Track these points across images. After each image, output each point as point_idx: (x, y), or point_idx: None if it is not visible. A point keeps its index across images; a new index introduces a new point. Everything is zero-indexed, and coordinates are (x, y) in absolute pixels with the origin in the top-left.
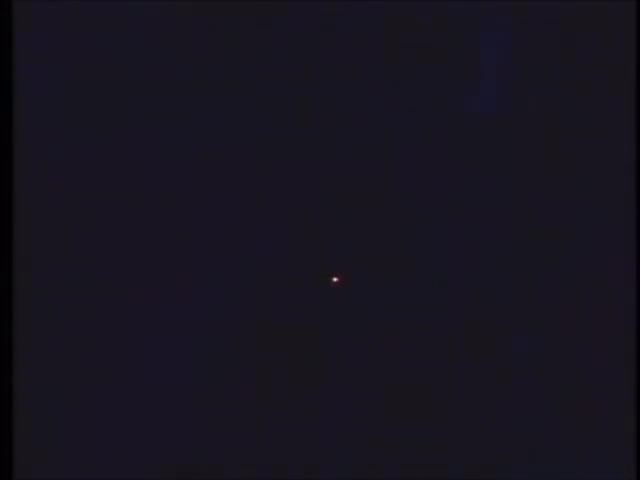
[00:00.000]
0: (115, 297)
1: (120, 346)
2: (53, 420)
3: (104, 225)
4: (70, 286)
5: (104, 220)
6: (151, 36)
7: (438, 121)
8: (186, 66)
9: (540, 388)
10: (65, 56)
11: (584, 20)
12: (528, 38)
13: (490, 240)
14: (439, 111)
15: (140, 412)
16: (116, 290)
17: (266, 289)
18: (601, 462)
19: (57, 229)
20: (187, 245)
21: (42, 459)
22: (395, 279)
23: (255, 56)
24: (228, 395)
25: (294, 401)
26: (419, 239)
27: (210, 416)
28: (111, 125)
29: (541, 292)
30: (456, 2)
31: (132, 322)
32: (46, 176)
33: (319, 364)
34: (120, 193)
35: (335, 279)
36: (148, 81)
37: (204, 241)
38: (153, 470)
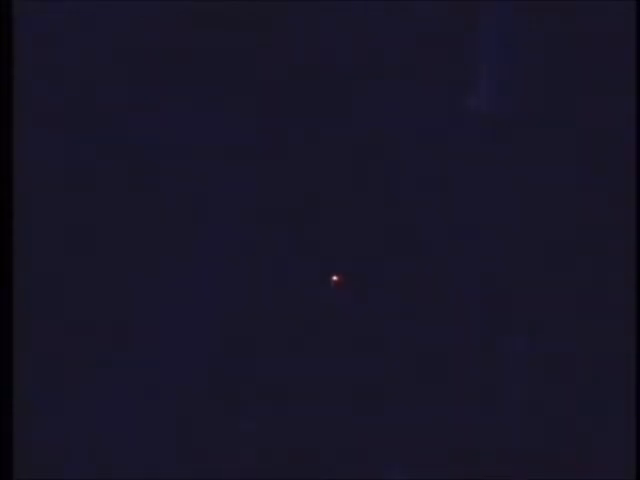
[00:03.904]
0: (115, 296)
1: (119, 346)
2: (53, 418)
3: (105, 224)
4: (69, 285)
5: (105, 219)
6: (152, 35)
7: (438, 121)
8: (188, 65)
9: (540, 388)
10: (65, 56)
11: (585, 20)
12: (529, 38)
13: (490, 240)
14: (439, 111)
15: (140, 410)
16: (117, 289)
17: (267, 288)
18: (601, 462)
19: (56, 226)
20: (188, 244)
21: (42, 457)
22: (394, 279)
23: (256, 57)
24: (227, 396)
25: (294, 400)
26: (418, 239)
27: (209, 415)
28: (112, 124)
29: (541, 292)
30: (456, 1)
31: (130, 322)
32: (46, 175)
33: (318, 364)
34: (120, 192)
35: (335, 278)
36: (147, 81)
37: (205, 240)
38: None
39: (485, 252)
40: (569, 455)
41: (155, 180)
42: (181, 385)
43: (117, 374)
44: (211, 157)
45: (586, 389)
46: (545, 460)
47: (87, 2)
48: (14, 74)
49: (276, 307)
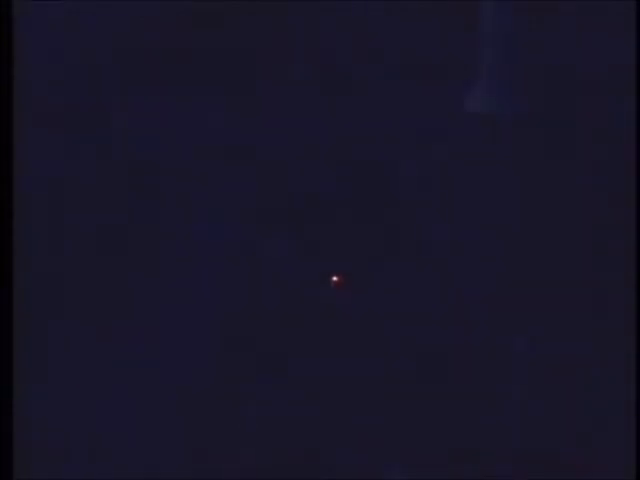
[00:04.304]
0: (115, 296)
1: (119, 346)
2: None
3: (105, 224)
4: (69, 285)
5: (105, 219)
6: (152, 35)
7: (438, 121)
8: (188, 65)
9: (540, 388)
10: (65, 56)
11: (585, 20)
12: (529, 38)
13: (490, 240)
14: (439, 111)
15: (140, 410)
16: (117, 289)
17: (267, 288)
18: (601, 462)
19: (56, 226)
20: (188, 244)
21: (42, 455)
22: (394, 279)
23: (257, 57)
24: (227, 396)
25: (294, 400)
26: (418, 239)
27: (209, 415)
28: (112, 124)
29: (541, 292)
30: (456, 2)
31: (131, 322)
32: (46, 175)
33: (319, 364)
34: (120, 192)
35: (335, 278)
36: (147, 81)
37: (205, 240)
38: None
39: (485, 252)
40: (569, 455)
41: (155, 180)
42: (181, 385)
43: (117, 374)
44: (211, 157)
45: (586, 389)
46: (545, 460)
47: (87, 2)
48: (14, 74)
49: (276, 307)
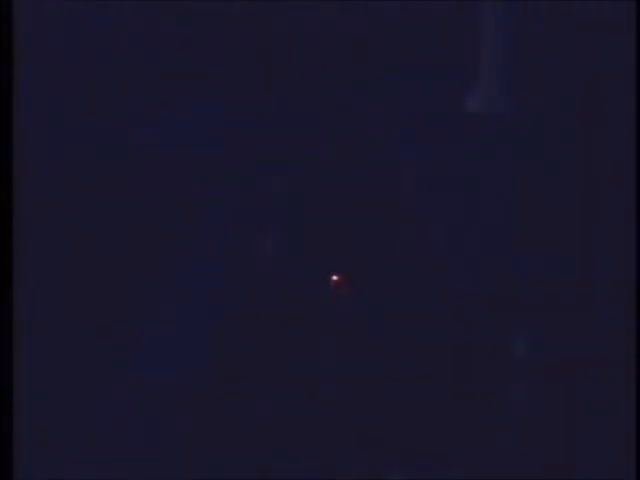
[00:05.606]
0: (115, 296)
1: (119, 346)
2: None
3: (105, 224)
4: (69, 285)
5: (105, 219)
6: (152, 35)
7: (438, 121)
8: (187, 65)
9: (540, 388)
10: (65, 56)
11: (585, 20)
12: (529, 38)
13: (490, 240)
14: (439, 111)
15: (140, 410)
16: (117, 288)
17: (267, 289)
18: (601, 462)
19: (56, 226)
20: (188, 244)
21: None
22: (393, 279)
23: (257, 57)
24: (227, 396)
25: (293, 401)
26: (418, 240)
27: (208, 415)
28: (112, 124)
29: (540, 292)
30: (456, 2)
31: (129, 323)
32: (46, 175)
33: (319, 364)
34: (120, 192)
35: (335, 278)
36: (148, 81)
37: (204, 240)
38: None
39: (485, 252)
40: (569, 455)
41: (155, 180)
42: (181, 385)
43: (117, 374)
44: (211, 157)
45: (586, 389)
46: (545, 460)
47: (87, 2)
48: (14, 74)
49: (276, 307)
